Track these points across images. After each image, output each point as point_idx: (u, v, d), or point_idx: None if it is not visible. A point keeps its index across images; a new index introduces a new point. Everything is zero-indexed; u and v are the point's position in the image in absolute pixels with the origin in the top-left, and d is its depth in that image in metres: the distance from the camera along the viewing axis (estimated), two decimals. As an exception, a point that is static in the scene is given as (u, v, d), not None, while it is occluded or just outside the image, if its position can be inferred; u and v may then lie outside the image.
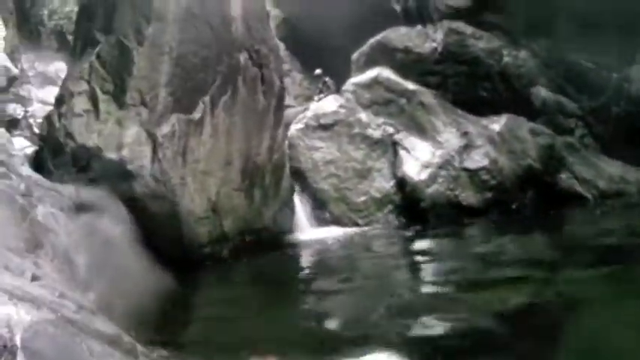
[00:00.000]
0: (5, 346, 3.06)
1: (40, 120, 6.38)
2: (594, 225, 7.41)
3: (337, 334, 4.45)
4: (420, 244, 7.71)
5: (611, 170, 8.72)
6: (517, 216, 8.25)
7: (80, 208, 4.97)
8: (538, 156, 8.82)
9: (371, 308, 5.00)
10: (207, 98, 6.85)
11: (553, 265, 5.82)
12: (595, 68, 9.03)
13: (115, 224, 5.34)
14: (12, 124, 6.19)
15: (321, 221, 8.78)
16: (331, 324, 4.77)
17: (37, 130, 6.31)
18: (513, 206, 8.51)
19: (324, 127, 9.01)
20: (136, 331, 4.40)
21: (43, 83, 6.89)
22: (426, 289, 5.76)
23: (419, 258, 7.24)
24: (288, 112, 8.84)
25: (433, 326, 4.45)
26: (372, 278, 6.20)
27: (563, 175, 8.73)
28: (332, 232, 8.45)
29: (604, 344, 3.78)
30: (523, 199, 8.58)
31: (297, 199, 8.71)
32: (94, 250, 4.93)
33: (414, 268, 6.78)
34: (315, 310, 5.19)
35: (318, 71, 10.09)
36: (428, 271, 6.51)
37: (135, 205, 5.94)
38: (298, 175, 8.78)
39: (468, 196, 8.67)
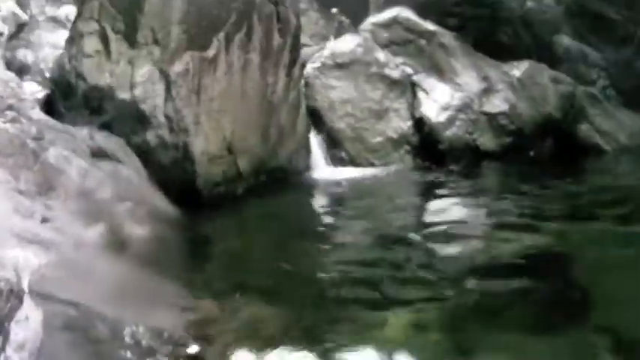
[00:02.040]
0: (12, 290, 3.06)
1: (51, 65, 6.29)
2: (610, 176, 7.35)
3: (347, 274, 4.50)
4: (436, 185, 7.72)
5: (632, 124, 8.53)
6: (534, 163, 8.17)
7: (97, 154, 4.99)
8: (558, 104, 8.63)
9: (384, 248, 5.08)
10: (221, 35, 6.69)
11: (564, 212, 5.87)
12: (621, 20, 8.72)
13: (134, 174, 5.38)
14: (23, 70, 6.08)
15: (337, 161, 8.75)
16: (342, 264, 4.84)
17: (48, 75, 6.21)
18: (531, 153, 8.42)
19: (341, 66, 8.84)
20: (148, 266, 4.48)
21: (54, 28, 6.70)
22: (439, 228, 5.83)
23: (434, 198, 7.29)
24: (305, 51, 8.67)
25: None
26: (389, 218, 6.23)
27: (583, 126, 8.56)
28: (348, 172, 8.45)
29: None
30: (541, 147, 8.47)
31: (313, 139, 8.68)
32: (119, 187, 4.98)
33: (427, 209, 6.83)
34: (327, 246, 5.26)
35: (334, 10, 9.89)
36: (442, 211, 6.56)
37: (147, 156, 5.99)
38: (314, 114, 8.70)
39: (486, 140, 8.57)
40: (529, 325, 3.45)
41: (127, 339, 3.33)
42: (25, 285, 3.13)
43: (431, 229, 5.73)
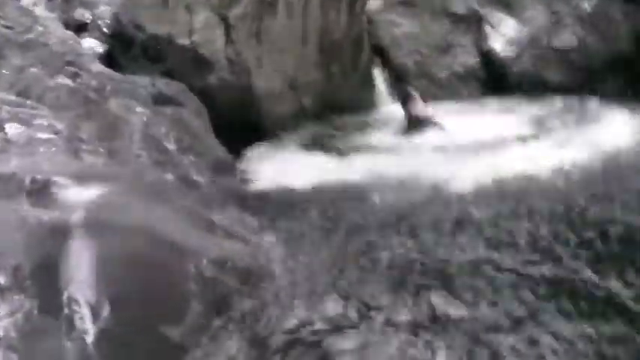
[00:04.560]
0: (65, 227, 3.16)
1: (108, 21, 6.53)
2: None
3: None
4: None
5: None
6: (603, 99, 7.82)
7: (159, 100, 5.26)
8: (630, 41, 8.15)
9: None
10: (280, -24, 6.80)
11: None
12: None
13: (194, 117, 5.63)
14: (80, 29, 6.29)
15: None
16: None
17: (106, 30, 6.44)
18: (600, 89, 8.06)
19: (405, 3, 8.73)
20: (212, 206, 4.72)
21: (108, -14, 6.86)
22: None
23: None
24: (367, -12, 8.60)
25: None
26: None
27: None
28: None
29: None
30: (611, 83, 8.07)
31: (377, 75, 8.74)
32: (182, 137, 5.27)
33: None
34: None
35: None
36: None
37: (211, 98, 6.19)
38: (378, 51, 8.71)
39: (555, 75, 8.33)
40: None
41: (191, 268, 3.36)
42: (79, 220, 3.21)
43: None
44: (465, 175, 5.33)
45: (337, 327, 3.25)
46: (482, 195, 4.92)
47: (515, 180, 5.21)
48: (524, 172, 5.33)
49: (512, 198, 4.82)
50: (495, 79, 8.65)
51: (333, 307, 3.42)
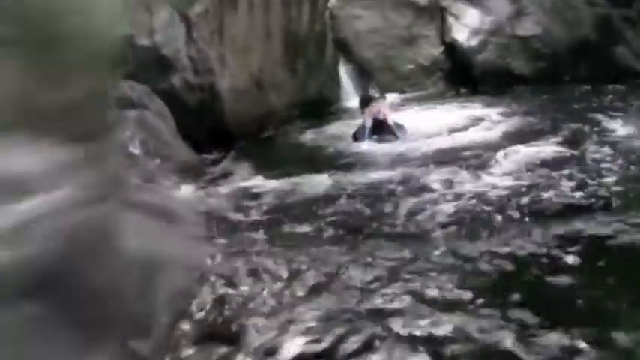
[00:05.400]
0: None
1: None
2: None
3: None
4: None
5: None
6: (569, 87, 7.81)
7: (122, 103, 5.09)
8: (593, 27, 8.19)
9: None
10: (240, -28, 6.66)
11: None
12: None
13: (159, 120, 5.48)
14: None
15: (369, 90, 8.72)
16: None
17: None
18: (566, 78, 8.09)
19: (367, -4, 8.70)
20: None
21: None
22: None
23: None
24: (327, -18, 8.52)
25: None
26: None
27: (619, 49, 8.08)
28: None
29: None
30: (576, 71, 8.12)
31: (342, 70, 8.67)
32: (147, 140, 5.16)
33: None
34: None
35: None
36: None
37: (175, 100, 6.04)
38: (342, 45, 8.65)
39: (519, 65, 8.37)
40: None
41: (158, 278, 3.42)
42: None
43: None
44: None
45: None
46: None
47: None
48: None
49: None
50: (460, 70, 8.68)
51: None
